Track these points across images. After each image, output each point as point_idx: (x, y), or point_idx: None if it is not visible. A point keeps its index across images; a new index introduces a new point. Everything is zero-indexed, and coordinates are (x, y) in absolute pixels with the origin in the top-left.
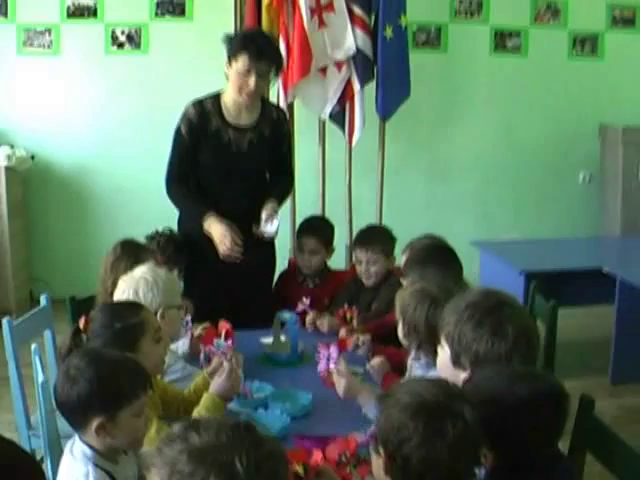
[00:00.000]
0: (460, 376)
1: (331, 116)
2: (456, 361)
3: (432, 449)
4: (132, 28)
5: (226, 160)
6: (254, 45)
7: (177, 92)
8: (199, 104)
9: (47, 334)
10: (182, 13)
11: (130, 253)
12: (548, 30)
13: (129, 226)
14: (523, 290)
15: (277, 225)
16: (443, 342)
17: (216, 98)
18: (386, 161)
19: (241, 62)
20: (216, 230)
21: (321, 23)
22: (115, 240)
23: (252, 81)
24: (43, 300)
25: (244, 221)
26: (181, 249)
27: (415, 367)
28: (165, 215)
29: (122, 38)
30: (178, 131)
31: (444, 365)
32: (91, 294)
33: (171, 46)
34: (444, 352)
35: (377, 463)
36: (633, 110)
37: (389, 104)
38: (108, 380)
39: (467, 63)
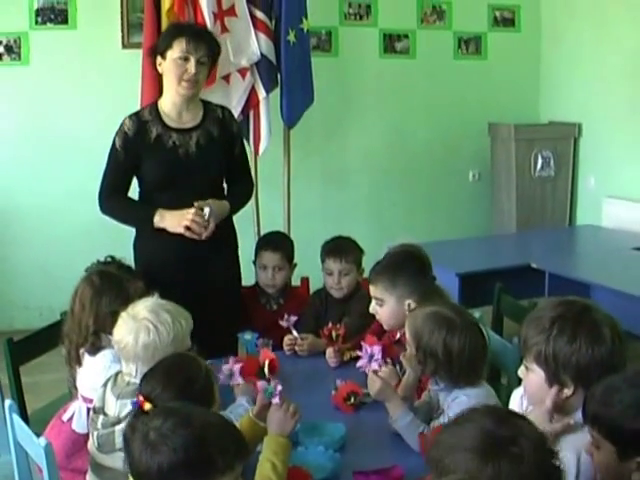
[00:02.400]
0: (559, 395)
1: None
2: (554, 380)
3: None
4: (11, 38)
5: (174, 166)
6: (190, 30)
7: (61, 105)
8: (135, 115)
9: None
10: (65, 21)
11: (112, 285)
12: (434, 31)
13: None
14: (458, 292)
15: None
16: (531, 364)
17: (153, 106)
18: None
19: (178, 47)
20: (171, 216)
21: (223, 29)
22: None
23: (192, 65)
24: None
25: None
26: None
27: (436, 392)
28: (53, 235)
29: (0, 49)
30: (113, 145)
31: (537, 387)
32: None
33: (54, 56)
34: (535, 374)
35: None
36: (518, 107)
37: (294, 111)
38: (198, 448)
39: (358, 66)
